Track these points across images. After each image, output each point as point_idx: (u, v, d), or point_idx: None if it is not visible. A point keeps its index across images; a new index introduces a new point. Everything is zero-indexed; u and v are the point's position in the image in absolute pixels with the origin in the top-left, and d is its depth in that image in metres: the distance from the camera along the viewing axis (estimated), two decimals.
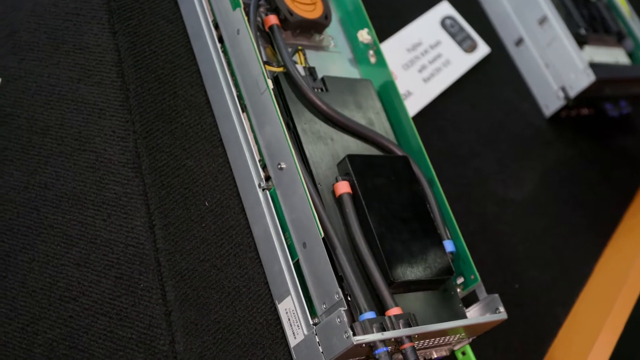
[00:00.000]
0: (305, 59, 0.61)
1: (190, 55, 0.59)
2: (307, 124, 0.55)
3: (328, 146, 0.55)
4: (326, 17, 0.63)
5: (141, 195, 0.50)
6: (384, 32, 0.76)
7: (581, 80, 0.78)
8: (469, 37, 0.82)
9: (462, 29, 0.82)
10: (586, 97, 0.81)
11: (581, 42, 0.82)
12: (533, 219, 0.75)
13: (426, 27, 0.79)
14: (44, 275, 0.49)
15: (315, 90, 0.58)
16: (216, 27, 0.59)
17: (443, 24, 0.81)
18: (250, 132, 0.54)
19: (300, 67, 0.60)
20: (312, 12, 0.62)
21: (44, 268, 0.50)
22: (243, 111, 0.55)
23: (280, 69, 0.58)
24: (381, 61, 0.63)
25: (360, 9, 0.65)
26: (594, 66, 0.78)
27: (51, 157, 0.53)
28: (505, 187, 0.75)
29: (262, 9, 0.61)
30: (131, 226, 0.49)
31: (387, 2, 0.79)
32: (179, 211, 0.50)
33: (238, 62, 0.56)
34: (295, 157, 0.50)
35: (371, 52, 0.64)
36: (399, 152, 0.57)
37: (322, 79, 0.59)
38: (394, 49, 0.75)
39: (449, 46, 0.80)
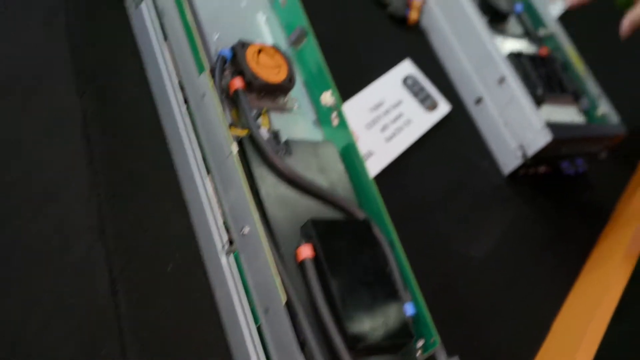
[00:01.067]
0: (270, 121, 0.63)
1: (156, 118, 0.61)
2: (271, 187, 0.56)
3: (292, 210, 0.56)
4: (290, 80, 0.65)
5: (104, 259, 0.51)
6: (347, 91, 0.78)
7: (538, 139, 0.81)
8: (429, 96, 0.85)
9: (423, 87, 0.85)
10: (543, 156, 0.83)
11: (539, 101, 0.85)
12: (494, 275, 0.77)
13: (388, 86, 0.82)
14: (1, 341, 0.49)
15: (279, 153, 0.59)
16: (182, 89, 0.60)
17: (405, 82, 0.83)
18: (214, 195, 0.55)
19: (264, 130, 0.61)
20: (277, 76, 0.64)
21: (1, 334, 0.50)
22: (208, 174, 0.56)
23: (245, 132, 0.59)
24: (343, 124, 0.65)
25: (323, 72, 0.67)
26: (551, 126, 0.81)
27: (12, 218, 0.53)
28: (467, 244, 0.77)
29: (227, 72, 0.63)
30: (94, 291, 0.49)
31: (351, 62, 0.81)
32: (143, 276, 0.51)
33: (203, 125, 0.57)
34: (258, 222, 0.51)
35: (334, 114, 0.66)
36: (361, 215, 0.59)
37: (286, 142, 0.61)
38: (357, 108, 0.77)
39: (411, 105, 0.82)
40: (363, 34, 0.85)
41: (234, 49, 0.63)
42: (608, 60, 1.12)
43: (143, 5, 0.66)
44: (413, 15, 0.90)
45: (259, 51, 0.65)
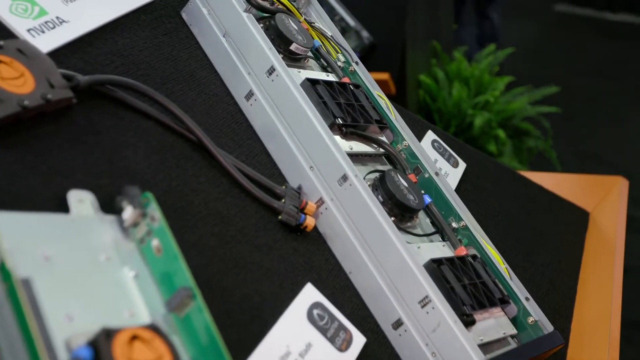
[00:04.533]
0: None
1: None
2: None
3: None
4: None
5: None
6: (242, 345, 0.62)
7: None
8: (341, 327, 0.70)
9: (332, 318, 0.70)
10: None
11: (469, 322, 0.73)
12: None
13: (292, 327, 0.67)
14: None
15: None
16: None
17: (310, 317, 0.69)
18: None
19: None
20: None
21: None
22: None
23: None
24: None
25: (217, 345, 0.52)
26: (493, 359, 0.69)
27: None
28: None
29: None
30: None
31: (244, 299, 0.66)
32: None
33: None
34: None
35: None
36: None
37: None
38: None
39: (322, 347, 0.67)
40: (251, 255, 0.70)
41: (95, 344, 0.46)
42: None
43: None
44: (309, 222, 0.76)
45: (132, 338, 0.48)
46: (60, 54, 0.71)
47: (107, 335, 0.47)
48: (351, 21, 2.25)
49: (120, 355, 0.46)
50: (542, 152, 2.90)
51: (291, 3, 0.93)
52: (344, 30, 2.24)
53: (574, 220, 1.24)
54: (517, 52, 3.36)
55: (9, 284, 0.45)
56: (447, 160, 1.08)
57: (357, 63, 0.95)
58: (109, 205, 0.59)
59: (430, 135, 1.09)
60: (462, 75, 2.76)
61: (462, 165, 1.10)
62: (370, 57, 2.29)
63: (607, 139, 4.16)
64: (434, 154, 1.06)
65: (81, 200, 0.57)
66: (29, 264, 0.49)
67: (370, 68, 1.02)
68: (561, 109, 3.12)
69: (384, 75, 2.15)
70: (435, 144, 1.09)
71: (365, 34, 2.26)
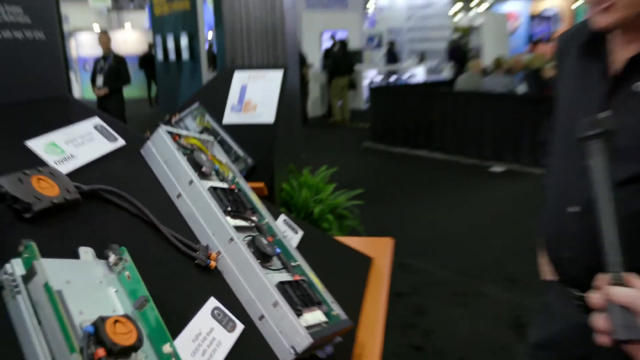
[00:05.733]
0: None
1: None
2: None
3: None
4: (140, 340, 0.58)
5: None
6: (175, 328, 0.71)
7: (304, 342, 0.81)
8: (230, 320, 0.81)
9: (225, 314, 0.81)
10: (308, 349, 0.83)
11: (299, 314, 0.86)
12: None
13: (203, 318, 0.77)
14: None
15: None
16: None
17: (213, 314, 0.80)
18: None
19: None
20: (130, 339, 0.57)
21: None
22: None
23: None
24: None
25: (162, 328, 0.62)
26: (311, 333, 0.81)
27: None
28: None
29: (91, 342, 0.55)
30: None
31: (176, 305, 0.76)
32: None
33: None
34: None
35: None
36: None
37: None
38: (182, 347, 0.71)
39: (218, 330, 0.78)
40: (180, 282, 0.81)
41: (95, 324, 0.56)
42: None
43: (19, 297, 0.56)
44: (212, 264, 0.88)
45: (115, 322, 0.58)
46: (73, 174, 0.80)
47: (102, 320, 0.57)
48: (241, 152, 2.40)
49: (109, 330, 0.56)
50: (355, 228, 3.12)
51: (203, 144, 1.07)
52: (236, 158, 2.38)
53: (363, 263, 1.41)
54: (340, 170, 3.64)
55: (50, 295, 0.55)
56: (292, 230, 1.22)
57: (240, 177, 1.09)
58: (100, 255, 0.69)
59: (282, 217, 1.24)
60: (307, 183, 2.97)
61: (300, 233, 1.25)
62: (253, 174, 2.43)
63: (394, 219, 4.50)
64: (284, 227, 1.20)
65: (86, 252, 0.67)
66: (59, 284, 0.58)
67: (252, 179, 1.16)
68: (366, 202, 3.38)
69: (260, 184, 2.29)
70: (285, 222, 1.24)
71: (249, 160, 2.42)
